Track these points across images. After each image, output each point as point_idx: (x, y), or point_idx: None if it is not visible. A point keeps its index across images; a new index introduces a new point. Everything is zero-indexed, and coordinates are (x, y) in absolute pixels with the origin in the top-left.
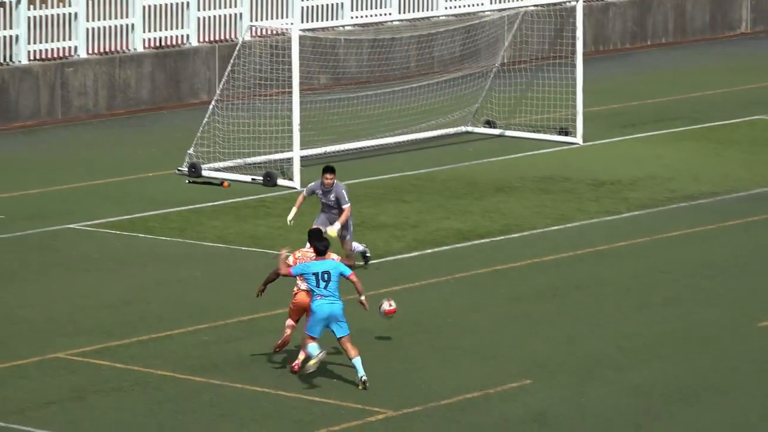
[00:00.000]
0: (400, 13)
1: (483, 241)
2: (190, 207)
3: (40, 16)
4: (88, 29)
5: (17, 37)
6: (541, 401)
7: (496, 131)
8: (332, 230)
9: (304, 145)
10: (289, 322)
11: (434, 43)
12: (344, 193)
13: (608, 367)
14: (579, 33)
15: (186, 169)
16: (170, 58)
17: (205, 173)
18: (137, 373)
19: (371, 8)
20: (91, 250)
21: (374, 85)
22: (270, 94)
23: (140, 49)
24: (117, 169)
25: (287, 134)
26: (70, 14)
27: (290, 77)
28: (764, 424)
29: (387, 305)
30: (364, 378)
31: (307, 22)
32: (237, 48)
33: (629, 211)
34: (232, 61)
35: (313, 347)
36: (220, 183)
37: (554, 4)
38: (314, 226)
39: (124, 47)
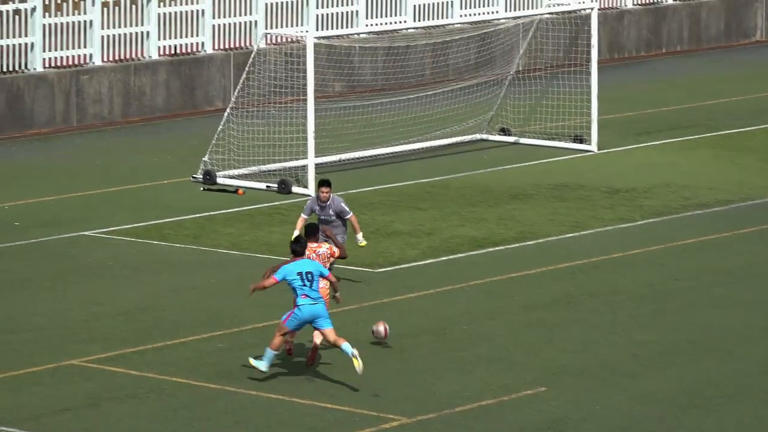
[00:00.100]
0: (415, 20)
1: (498, 248)
2: (205, 214)
3: (55, 24)
4: (103, 37)
5: (32, 44)
6: (555, 408)
7: (511, 139)
8: (362, 242)
9: (318, 153)
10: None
11: (449, 50)
12: (344, 205)
13: (623, 375)
14: (594, 41)
15: (201, 177)
16: (185, 65)
17: (219, 181)
18: (152, 380)
19: (386, 16)
20: (106, 257)
21: (389, 93)
22: (285, 102)
23: (155, 56)
24: (132, 176)
25: (302, 142)
26: (85, 22)
27: (305, 85)
28: None
29: (382, 329)
30: (356, 353)
31: (322, 29)
32: (252, 56)
33: (644, 218)
34: (247, 68)
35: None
36: (235, 190)
37: (569, 12)
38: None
39: (139, 55)
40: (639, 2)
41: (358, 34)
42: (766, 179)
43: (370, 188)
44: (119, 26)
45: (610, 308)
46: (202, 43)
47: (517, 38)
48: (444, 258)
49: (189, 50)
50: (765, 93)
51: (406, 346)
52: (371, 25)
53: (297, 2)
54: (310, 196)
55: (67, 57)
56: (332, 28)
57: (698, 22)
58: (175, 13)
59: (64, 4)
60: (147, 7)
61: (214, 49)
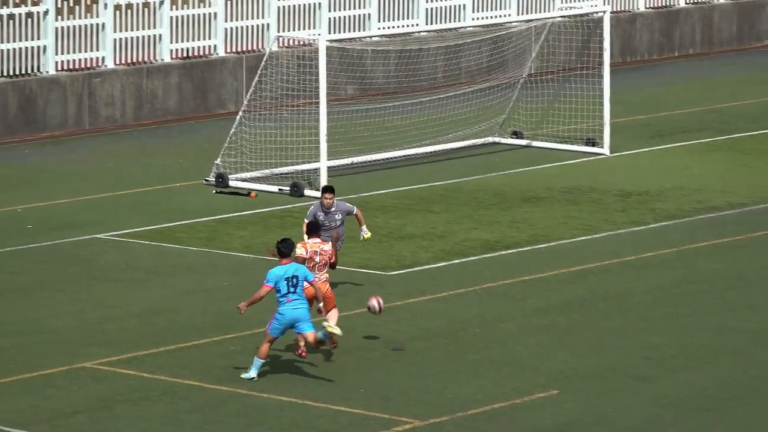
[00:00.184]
0: (427, 24)
1: (510, 251)
2: (218, 217)
3: (68, 27)
4: (115, 40)
5: (45, 47)
6: (568, 411)
7: (523, 142)
8: (367, 234)
9: (331, 156)
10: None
11: (461, 53)
12: (348, 204)
13: (635, 378)
14: (606, 44)
15: (213, 180)
16: (197, 68)
17: (232, 183)
18: (164, 383)
19: (398, 19)
20: (119, 260)
21: (401, 96)
22: (297, 105)
23: (167, 59)
24: (144, 179)
25: (314, 145)
26: (97, 25)
27: (317, 88)
28: None
29: (375, 304)
30: (329, 324)
31: (335, 32)
32: (264, 59)
33: (656, 222)
34: (259, 71)
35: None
36: (247, 193)
37: (581, 15)
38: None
39: (152, 58)
40: (651, 5)
41: (370, 37)
42: None
43: (383, 191)
44: (132, 29)
45: (623, 311)
46: (215, 46)
47: (530, 41)
48: (456, 261)
49: (201, 53)
50: None
51: (419, 349)
52: (383, 28)
53: (309, 5)
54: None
55: (80, 60)
56: (344, 31)
57: (711, 26)
58: (188, 16)
59: (77, 7)
60: (159, 10)
61: (226, 52)
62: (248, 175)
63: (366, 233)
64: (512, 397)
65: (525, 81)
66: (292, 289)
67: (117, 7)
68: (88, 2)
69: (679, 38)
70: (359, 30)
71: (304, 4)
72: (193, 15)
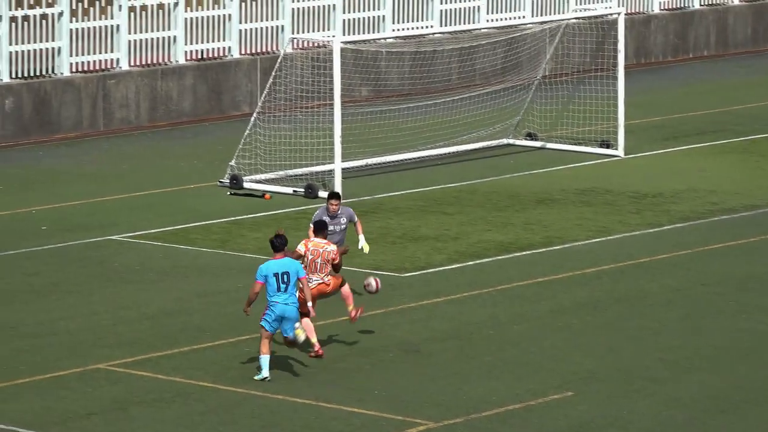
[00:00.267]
0: (441, 25)
1: (524, 253)
2: (232, 219)
3: (82, 29)
4: (130, 41)
5: (59, 49)
6: (582, 413)
7: (538, 144)
8: (366, 246)
9: (345, 158)
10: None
11: (476, 55)
12: (351, 210)
13: (649, 379)
14: (621, 46)
15: (227, 181)
16: (212, 70)
17: (246, 185)
18: (179, 385)
19: (413, 21)
20: (133, 262)
21: (416, 98)
22: (311, 107)
23: (182, 61)
24: (159, 180)
25: (329, 146)
26: (112, 26)
27: (332, 89)
28: None
29: (372, 282)
30: (297, 325)
31: (349, 34)
32: (279, 60)
33: (671, 223)
34: (273, 73)
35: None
36: (262, 195)
37: (596, 17)
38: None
39: (166, 59)
40: (666, 7)
41: (384, 38)
42: None
43: (397, 193)
44: (146, 31)
45: (637, 313)
46: (229, 48)
47: (544, 43)
48: (470, 262)
49: (216, 55)
50: None
51: (433, 350)
52: (398, 29)
53: (323, 7)
54: None
55: (94, 61)
56: (359, 33)
57: (725, 27)
58: (202, 17)
59: (91, 8)
60: (174, 11)
61: (240, 53)
62: (262, 176)
63: (366, 246)
64: (526, 399)
65: (539, 83)
66: (282, 286)
67: (131, 8)
68: (103, 4)
69: (694, 40)
70: (373, 32)
71: (319, 6)
72: (208, 17)
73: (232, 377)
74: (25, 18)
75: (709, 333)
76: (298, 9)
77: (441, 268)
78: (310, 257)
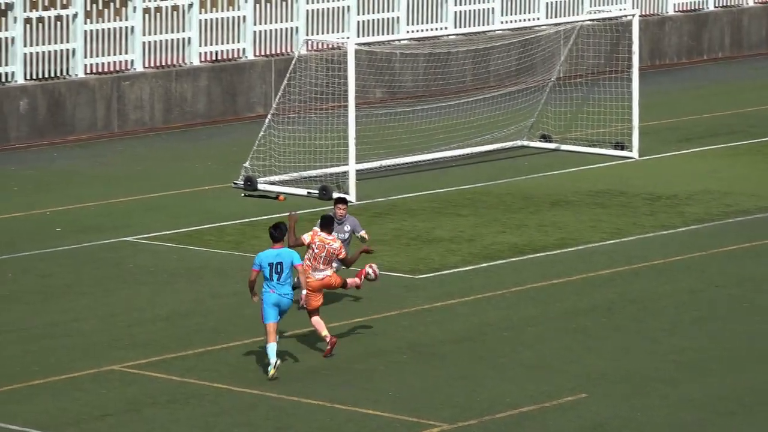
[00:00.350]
0: (456, 27)
1: (538, 255)
2: (246, 220)
3: (97, 30)
4: (144, 43)
5: (74, 50)
6: (596, 415)
7: (552, 145)
8: (364, 233)
9: (359, 159)
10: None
11: (490, 57)
12: (358, 223)
13: (663, 382)
14: (635, 47)
15: (242, 183)
16: (226, 71)
17: (260, 187)
18: (193, 386)
19: (427, 22)
20: (147, 263)
21: (430, 99)
22: (326, 108)
23: (196, 62)
24: (173, 182)
25: (343, 148)
26: (126, 28)
27: (346, 91)
28: None
29: (370, 270)
30: (276, 363)
31: (363, 36)
32: (293, 62)
33: (685, 225)
34: (288, 74)
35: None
36: (276, 196)
37: (610, 19)
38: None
39: (181, 61)
40: (680, 9)
41: (399, 40)
42: None
43: (411, 195)
44: (160, 32)
45: (651, 315)
46: (244, 50)
47: (558, 45)
48: (484, 264)
49: (230, 56)
50: None
51: (447, 352)
52: (412, 31)
53: (338, 9)
54: (351, 202)
55: (109, 63)
56: (373, 35)
57: (740, 29)
58: (217, 19)
59: (106, 10)
60: (188, 13)
61: (255, 55)
62: (277, 178)
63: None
64: (540, 401)
65: (554, 84)
66: (275, 276)
67: (146, 10)
68: (117, 5)
69: (708, 41)
70: (388, 33)
71: (333, 8)
72: (222, 18)
73: (247, 379)
74: (40, 19)
75: (722, 335)
76: (313, 10)
77: (455, 270)
78: (316, 250)
